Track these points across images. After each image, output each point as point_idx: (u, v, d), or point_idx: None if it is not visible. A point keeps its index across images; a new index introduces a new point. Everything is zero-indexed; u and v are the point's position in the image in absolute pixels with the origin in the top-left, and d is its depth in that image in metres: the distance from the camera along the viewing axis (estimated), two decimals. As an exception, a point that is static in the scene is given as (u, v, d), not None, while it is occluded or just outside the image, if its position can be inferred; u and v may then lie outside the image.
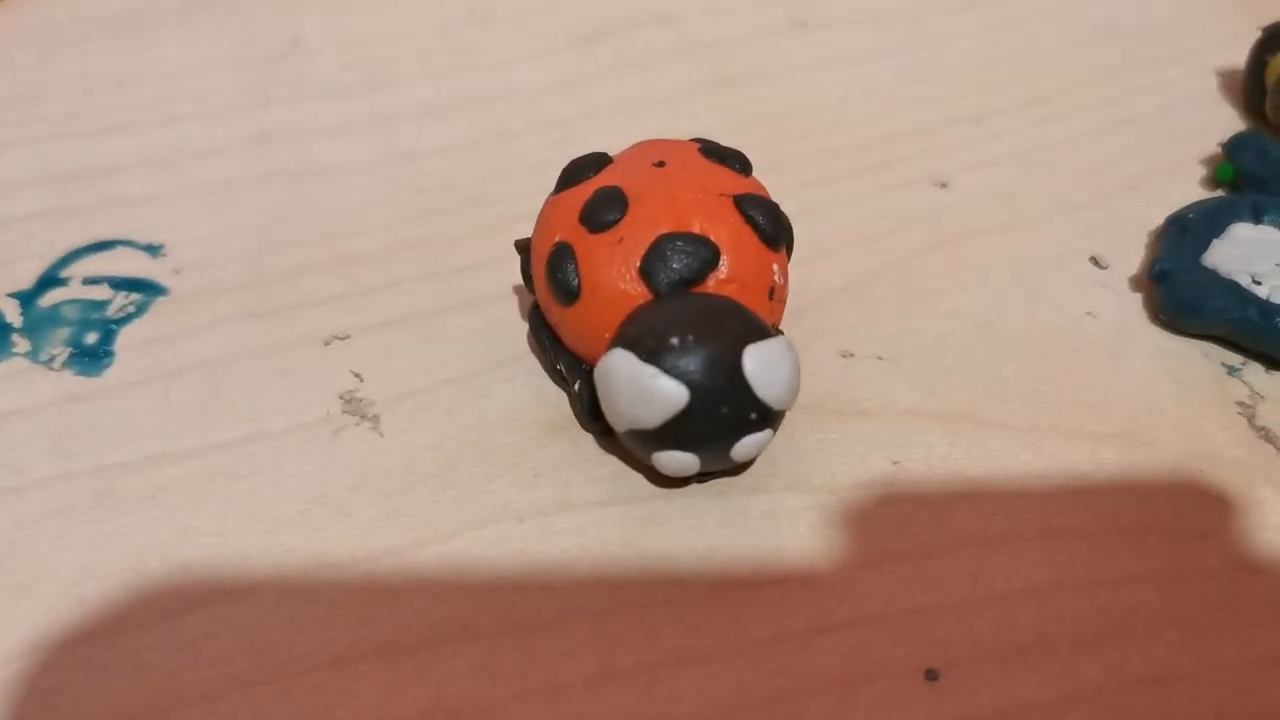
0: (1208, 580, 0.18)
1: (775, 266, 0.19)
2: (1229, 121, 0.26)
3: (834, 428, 0.20)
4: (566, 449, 0.20)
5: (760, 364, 0.18)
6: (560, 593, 0.18)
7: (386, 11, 0.30)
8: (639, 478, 0.19)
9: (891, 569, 0.18)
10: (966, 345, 0.21)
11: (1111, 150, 0.26)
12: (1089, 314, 0.22)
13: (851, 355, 0.21)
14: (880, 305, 0.22)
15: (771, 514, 0.19)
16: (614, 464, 0.19)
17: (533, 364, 0.21)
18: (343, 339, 0.21)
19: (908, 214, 0.24)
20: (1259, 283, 0.21)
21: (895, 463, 0.19)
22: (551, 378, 0.20)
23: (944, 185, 0.25)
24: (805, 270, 0.23)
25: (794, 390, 0.18)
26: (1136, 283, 0.22)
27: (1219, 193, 0.24)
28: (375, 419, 0.20)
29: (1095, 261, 0.23)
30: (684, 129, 0.26)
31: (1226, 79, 0.28)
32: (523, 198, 0.23)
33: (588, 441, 0.20)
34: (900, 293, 0.22)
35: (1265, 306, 0.20)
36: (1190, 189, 0.25)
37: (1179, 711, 0.16)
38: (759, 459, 0.19)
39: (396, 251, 0.23)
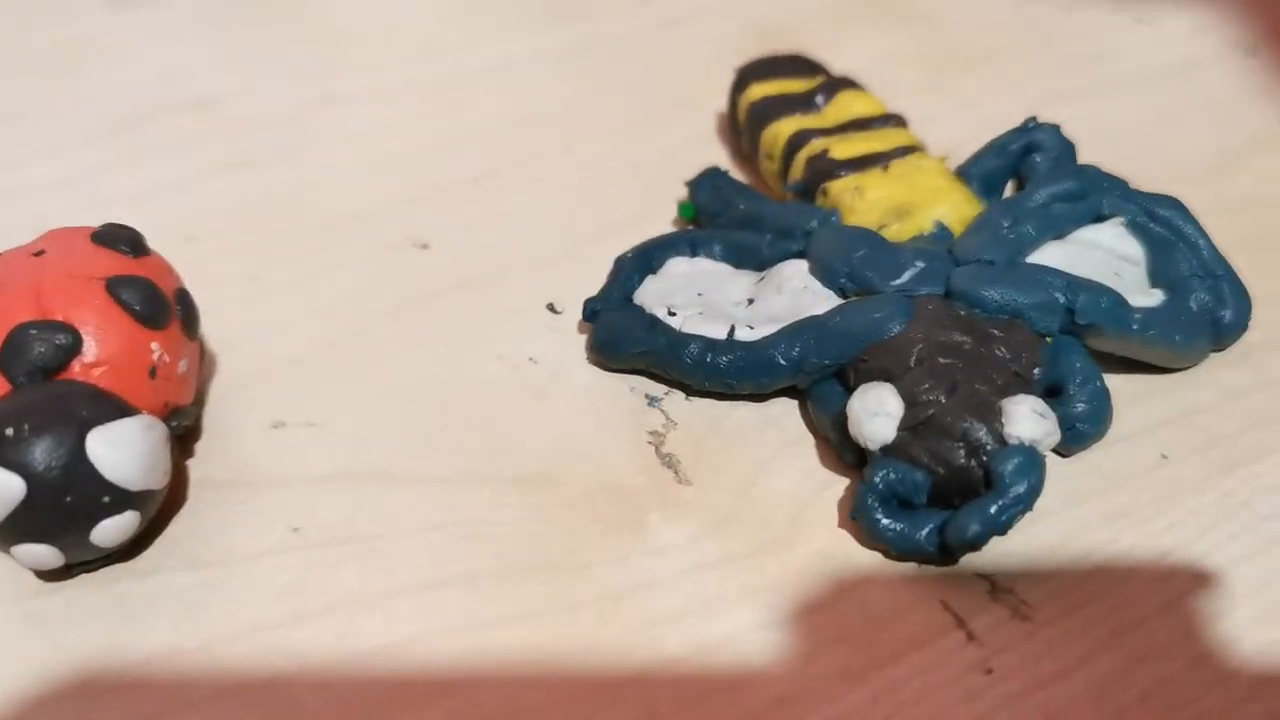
0: (575, 613, 0.18)
1: (156, 345, 0.19)
2: (720, 162, 0.27)
3: (244, 500, 0.20)
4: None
5: (109, 446, 0.18)
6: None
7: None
8: (28, 574, 0.19)
9: (260, 639, 0.18)
10: (401, 404, 0.21)
11: (598, 200, 0.26)
12: (531, 360, 0.22)
13: (284, 425, 0.21)
14: (328, 372, 0.22)
15: (156, 596, 0.18)
16: (6, 562, 0.19)
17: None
18: None
19: (381, 279, 0.24)
20: (674, 314, 0.22)
21: (295, 530, 0.19)
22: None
23: (426, 247, 0.25)
24: (261, 344, 0.23)
25: (153, 469, 0.18)
26: (582, 325, 0.23)
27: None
28: None
29: (551, 308, 0.23)
30: (193, 213, 0.26)
31: (725, 123, 0.29)
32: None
33: (-12, 542, 0.19)
34: (352, 358, 0.22)
35: (674, 337, 0.21)
36: (665, 230, 0.25)
37: (510, 748, 0.16)
38: (159, 539, 0.19)
39: None
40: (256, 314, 0.23)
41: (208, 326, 0.23)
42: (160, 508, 0.19)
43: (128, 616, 0.18)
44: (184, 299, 0.20)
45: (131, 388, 0.19)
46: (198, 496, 0.20)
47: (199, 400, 0.21)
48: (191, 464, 0.20)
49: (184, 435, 0.20)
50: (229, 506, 0.20)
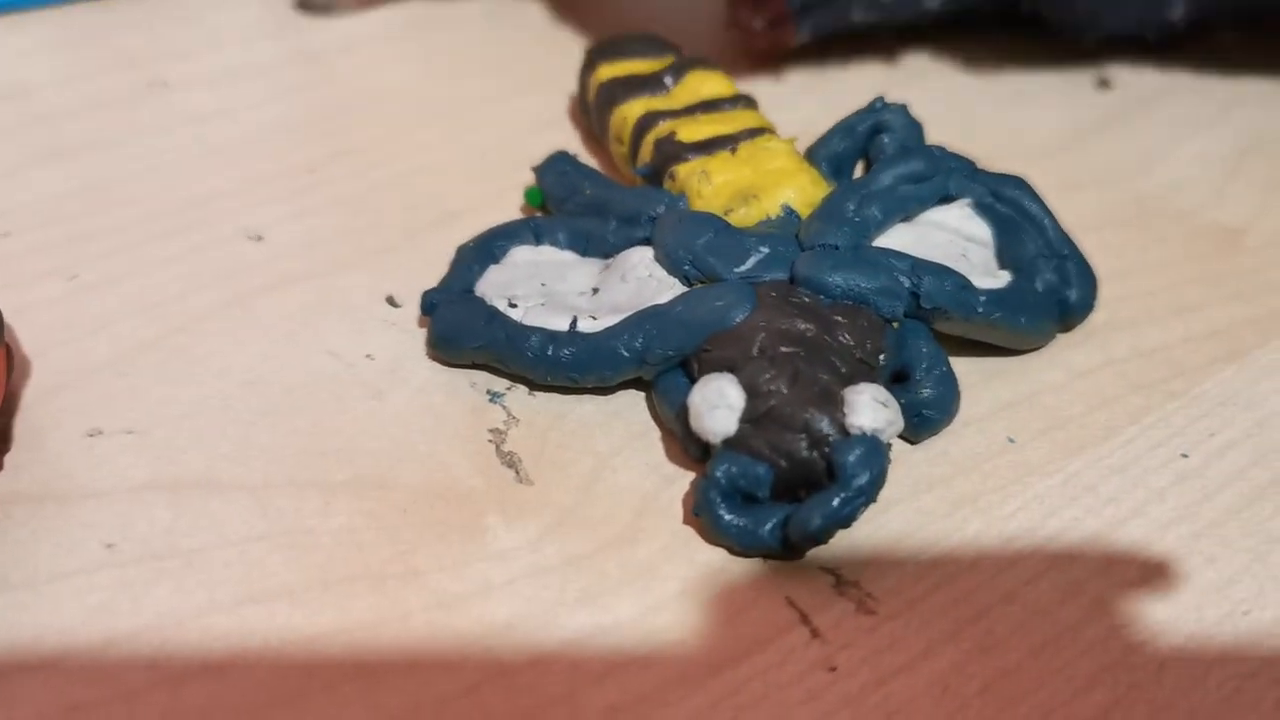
0: (404, 624, 0.17)
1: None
2: (572, 146, 0.27)
3: (54, 515, 0.19)
4: None
5: (-108, 465, 0.16)
6: None
7: None
8: None
9: (67, 664, 0.17)
10: (225, 407, 0.20)
11: (442, 186, 0.26)
12: (368, 356, 0.21)
13: (100, 433, 0.20)
14: (150, 375, 0.21)
15: (-46, 623, 0.17)
16: None
17: None
18: None
19: (208, 274, 0.23)
20: (515, 305, 0.21)
21: (109, 545, 0.18)
22: None
23: (260, 239, 0.24)
24: (78, 346, 0.22)
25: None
26: (423, 319, 0.22)
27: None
28: None
29: (391, 301, 0.23)
30: (7, 208, 0.25)
31: (577, 103, 0.28)
32: None
33: None
34: (175, 358, 0.21)
35: (514, 330, 0.20)
36: (511, 217, 0.24)
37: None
38: (-42, 562, 0.18)
39: None
40: (75, 314, 0.22)
41: (22, 329, 0.22)
42: (-41, 527, 0.18)
43: (-79, 646, 0.17)
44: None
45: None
46: (6, 513, 0.19)
47: (8, 409, 0.20)
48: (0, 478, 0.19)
49: (-12, 447, 0.19)
50: (39, 522, 0.18)
